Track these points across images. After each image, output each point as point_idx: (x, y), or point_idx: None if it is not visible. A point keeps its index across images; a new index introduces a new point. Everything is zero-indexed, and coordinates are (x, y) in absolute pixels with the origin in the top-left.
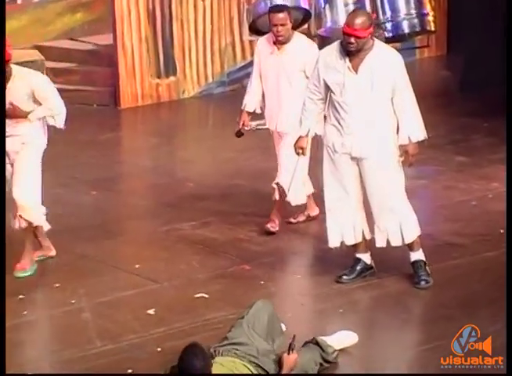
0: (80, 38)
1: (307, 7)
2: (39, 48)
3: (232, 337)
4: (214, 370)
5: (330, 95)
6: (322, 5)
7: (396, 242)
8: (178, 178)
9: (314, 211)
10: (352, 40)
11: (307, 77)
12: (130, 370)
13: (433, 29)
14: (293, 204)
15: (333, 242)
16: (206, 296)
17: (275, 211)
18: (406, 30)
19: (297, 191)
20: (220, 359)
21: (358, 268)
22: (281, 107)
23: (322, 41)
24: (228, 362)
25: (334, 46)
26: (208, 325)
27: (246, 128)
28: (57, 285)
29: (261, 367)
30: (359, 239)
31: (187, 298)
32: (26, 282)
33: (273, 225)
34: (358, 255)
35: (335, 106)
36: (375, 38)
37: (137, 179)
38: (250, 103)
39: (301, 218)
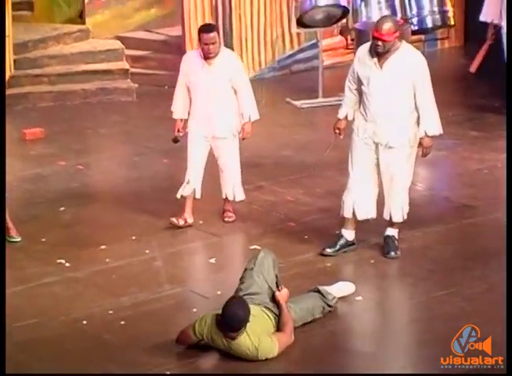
0: (154, 30)
1: (345, 5)
2: (120, 38)
3: (247, 287)
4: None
5: (361, 87)
6: (359, 3)
7: (397, 218)
8: None
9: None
10: (380, 43)
11: (232, 87)
12: (194, 310)
13: (452, 23)
14: (238, 199)
15: (346, 213)
16: (259, 248)
17: (227, 207)
18: (430, 25)
19: (241, 188)
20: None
21: (341, 242)
22: (213, 115)
23: (358, 34)
24: (253, 309)
25: (368, 45)
26: None
27: (180, 134)
28: (134, 237)
29: (273, 311)
30: (370, 216)
31: (243, 249)
32: (108, 234)
33: (231, 215)
34: (343, 231)
35: (363, 96)
36: (403, 41)
37: None
38: (180, 111)
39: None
